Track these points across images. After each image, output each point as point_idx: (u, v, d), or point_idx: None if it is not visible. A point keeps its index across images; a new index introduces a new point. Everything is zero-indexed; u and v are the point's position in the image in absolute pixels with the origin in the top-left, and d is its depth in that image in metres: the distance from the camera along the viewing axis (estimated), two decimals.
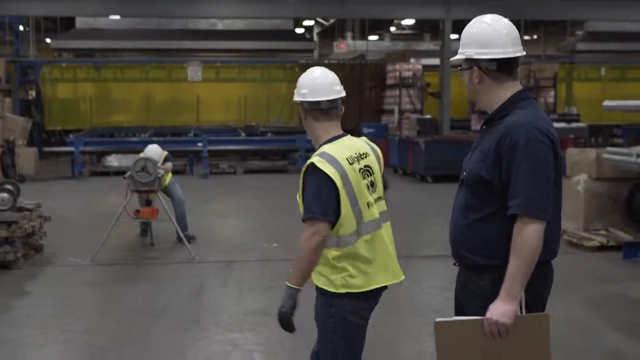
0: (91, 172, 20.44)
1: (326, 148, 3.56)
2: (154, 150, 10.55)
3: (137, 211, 9.88)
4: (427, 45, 33.72)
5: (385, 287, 3.66)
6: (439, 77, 22.31)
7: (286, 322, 3.52)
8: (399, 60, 24.71)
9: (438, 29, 22.73)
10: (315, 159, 3.50)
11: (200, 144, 20.20)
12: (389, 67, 24.60)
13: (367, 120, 24.54)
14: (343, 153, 3.54)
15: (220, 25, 26.27)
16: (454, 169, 17.39)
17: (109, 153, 20.78)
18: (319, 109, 3.63)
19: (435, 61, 28.29)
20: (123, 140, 21.98)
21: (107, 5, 21.17)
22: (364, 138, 3.82)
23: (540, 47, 34.93)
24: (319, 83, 3.64)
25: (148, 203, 10.15)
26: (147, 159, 9.67)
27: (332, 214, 3.45)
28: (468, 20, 3.29)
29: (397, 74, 23.55)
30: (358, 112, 24.88)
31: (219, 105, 25.40)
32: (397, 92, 23.54)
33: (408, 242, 10.28)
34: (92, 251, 9.54)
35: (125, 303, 7.63)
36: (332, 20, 37.38)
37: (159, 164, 10.08)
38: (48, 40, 29.50)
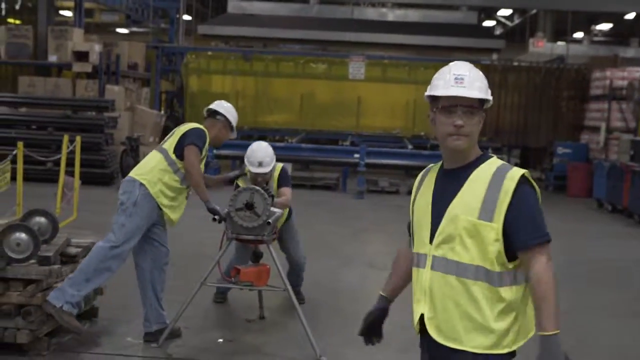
0: None
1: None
2: (262, 152, 6.66)
3: (237, 270, 6.19)
4: (635, 51, 28.49)
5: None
6: None
7: None
8: (609, 66, 19.87)
9: None
10: (525, 171, 2.80)
11: (357, 155, 16.49)
12: (596, 74, 19.85)
13: (563, 137, 20.01)
14: None
15: (391, 15, 22.49)
16: None
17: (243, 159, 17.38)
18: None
19: None
20: None
21: None
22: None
23: None
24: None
25: (256, 257, 6.43)
26: (255, 190, 5.96)
27: None
28: None
29: (607, 82, 18.81)
30: (552, 127, 20.37)
31: (383, 109, 21.52)
32: (605, 105, 18.81)
33: None
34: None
35: None
36: (516, 21, 32.89)
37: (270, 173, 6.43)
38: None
